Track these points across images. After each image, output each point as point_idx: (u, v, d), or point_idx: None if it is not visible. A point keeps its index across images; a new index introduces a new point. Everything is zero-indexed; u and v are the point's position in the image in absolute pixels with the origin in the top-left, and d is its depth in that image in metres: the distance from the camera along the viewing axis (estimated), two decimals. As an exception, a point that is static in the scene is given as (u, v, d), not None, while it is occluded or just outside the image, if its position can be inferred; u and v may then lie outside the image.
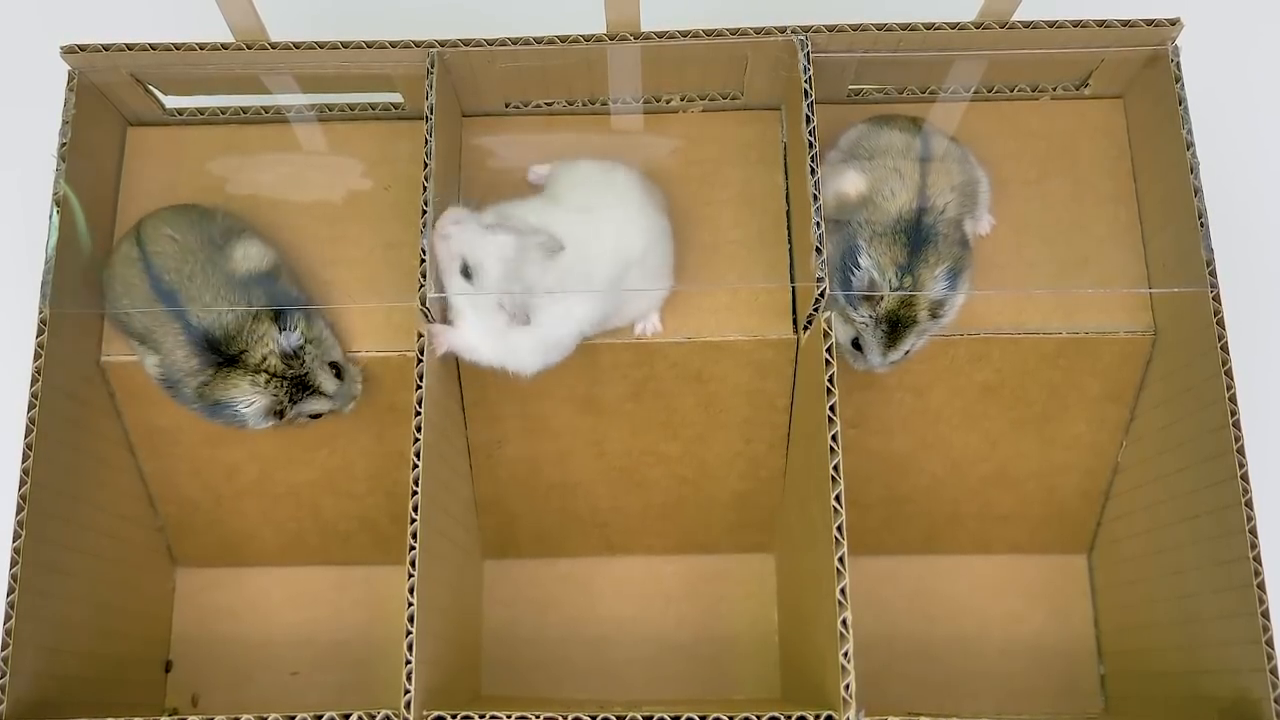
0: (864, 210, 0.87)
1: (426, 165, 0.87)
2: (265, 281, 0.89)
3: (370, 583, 1.12)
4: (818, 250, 0.84)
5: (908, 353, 0.89)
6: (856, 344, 0.89)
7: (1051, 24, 0.90)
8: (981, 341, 0.93)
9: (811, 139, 0.86)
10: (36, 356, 0.86)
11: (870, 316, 0.87)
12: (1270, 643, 0.79)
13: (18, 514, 0.83)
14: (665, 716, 0.77)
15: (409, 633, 0.79)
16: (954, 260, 0.87)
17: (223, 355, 0.87)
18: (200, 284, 0.88)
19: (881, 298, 0.86)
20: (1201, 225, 0.86)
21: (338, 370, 0.90)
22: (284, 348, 0.87)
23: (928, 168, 0.88)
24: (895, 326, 0.87)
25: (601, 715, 0.77)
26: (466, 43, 0.91)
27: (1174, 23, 0.90)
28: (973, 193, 0.91)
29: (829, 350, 0.83)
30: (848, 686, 0.76)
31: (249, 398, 0.87)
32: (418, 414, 0.83)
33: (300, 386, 0.88)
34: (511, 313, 0.85)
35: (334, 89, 0.96)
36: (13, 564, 0.83)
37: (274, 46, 0.91)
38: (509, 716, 0.77)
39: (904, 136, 0.90)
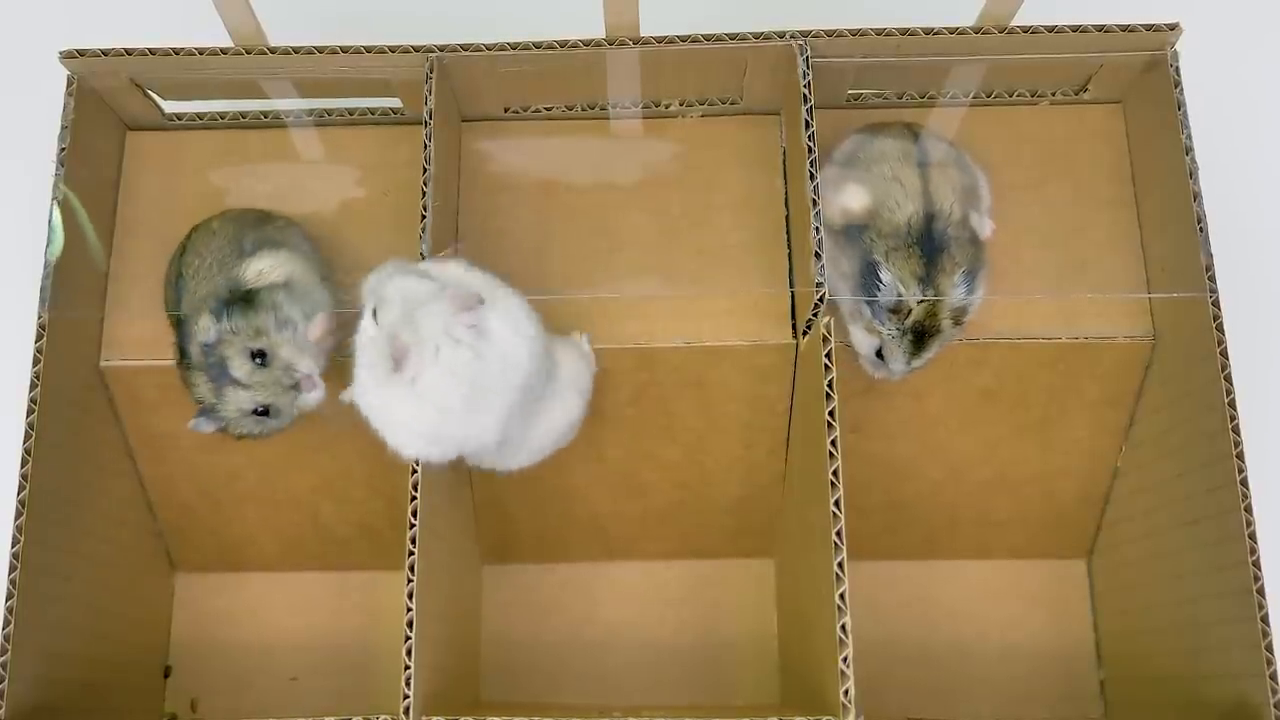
0: (872, 223, 0.87)
1: (425, 170, 0.87)
2: (265, 294, 0.88)
3: (369, 588, 1.12)
4: (817, 255, 0.84)
5: (928, 360, 0.89)
6: (879, 353, 0.89)
7: (1051, 29, 0.90)
8: (981, 346, 0.93)
9: (811, 144, 0.87)
10: (36, 361, 0.86)
11: (898, 329, 0.87)
12: (1270, 648, 0.79)
13: (17, 519, 0.83)
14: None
15: (408, 638, 0.79)
16: (969, 263, 0.87)
17: (182, 345, 0.88)
18: (204, 286, 0.88)
19: (910, 310, 0.86)
20: (1201, 230, 0.86)
21: (261, 359, 0.85)
22: (204, 340, 0.86)
23: (928, 173, 0.88)
24: (921, 336, 0.87)
25: (600, 721, 0.77)
26: (465, 48, 0.91)
27: (1173, 28, 0.90)
28: (974, 193, 0.91)
29: (828, 355, 0.83)
30: (847, 692, 0.76)
31: (199, 395, 0.87)
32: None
33: (219, 376, 0.86)
34: (391, 354, 0.78)
35: (333, 94, 0.96)
36: (12, 569, 0.83)
37: (273, 51, 0.91)
38: (508, 722, 0.77)
39: (899, 143, 0.90)
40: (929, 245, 0.86)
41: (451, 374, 0.78)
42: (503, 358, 0.80)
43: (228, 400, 0.86)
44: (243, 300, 0.87)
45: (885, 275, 0.86)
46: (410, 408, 0.80)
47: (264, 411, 0.87)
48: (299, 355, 0.87)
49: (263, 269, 0.89)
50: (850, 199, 0.88)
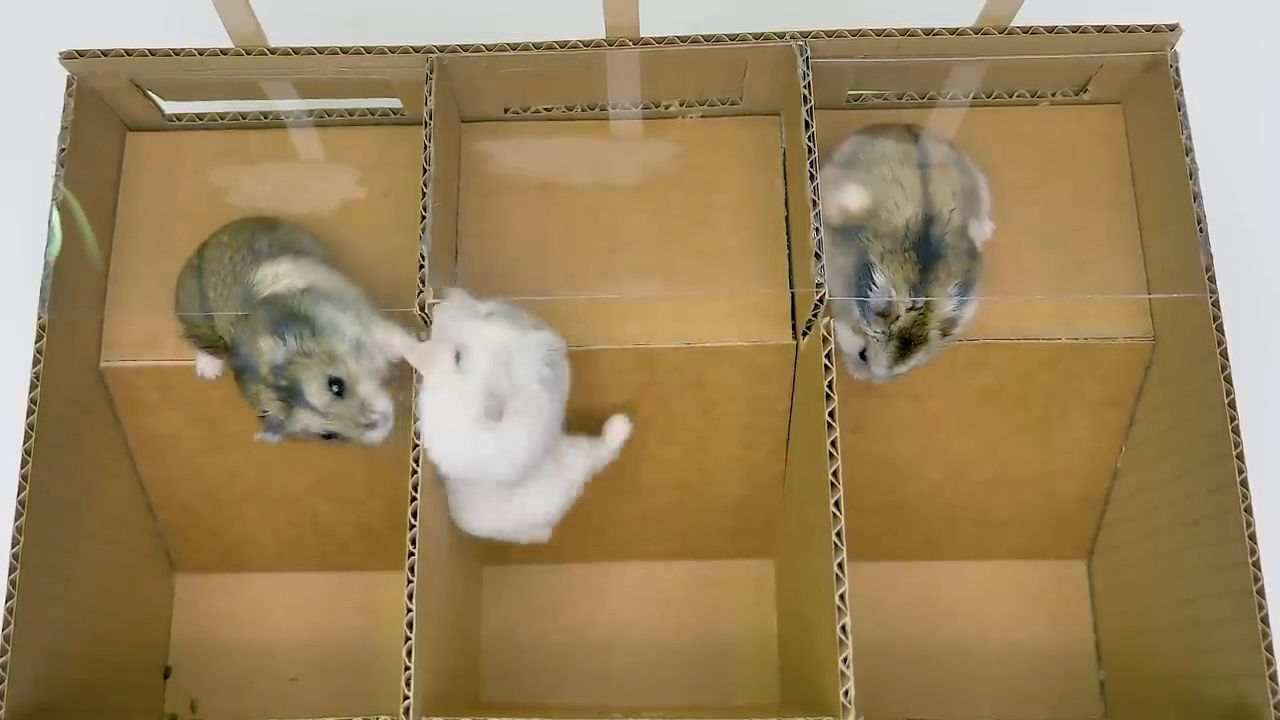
0: (870, 224, 0.87)
1: (425, 171, 0.87)
2: (282, 302, 0.86)
3: (369, 588, 1.12)
4: (817, 256, 0.84)
5: (912, 368, 0.89)
6: (863, 354, 0.89)
7: (1051, 30, 0.90)
8: (981, 347, 0.93)
9: (810, 144, 0.86)
10: (35, 362, 0.86)
11: (883, 332, 0.87)
12: (1270, 648, 0.79)
13: (17, 519, 0.83)
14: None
15: (408, 638, 0.79)
16: (964, 274, 0.86)
17: (240, 364, 0.86)
18: (224, 295, 0.87)
19: (898, 315, 0.86)
20: (1201, 231, 0.86)
21: (339, 388, 0.84)
22: (272, 360, 0.84)
23: (928, 175, 0.88)
24: (907, 344, 0.87)
25: (600, 721, 0.77)
26: (465, 48, 0.91)
27: (1173, 28, 0.90)
28: (975, 196, 0.91)
29: (828, 356, 0.83)
30: (847, 692, 0.76)
31: (265, 407, 0.85)
32: (416, 420, 0.84)
33: (290, 397, 0.84)
34: (487, 406, 0.82)
35: (333, 94, 0.96)
36: (12, 570, 0.83)
37: (273, 52, 0.91)
38: (508, 723, 0.77)
39: (900, 145, 0.90)
40: (925, 251, 0.86)
41: (539, 414, 0.84)
42: (559, 391, 0.86)
43: (297, 420, 0.85)
44: (296, 316, 0.85)
45: (879, 277, 0.86)
46: (502, 446, 0.84)
47: (329, 436, 0.86)
48: (376, 393, 0.85)
49: (277, 275, 0.88)
50: (849, 198, 0.88)
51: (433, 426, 0.84)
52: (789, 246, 0.94)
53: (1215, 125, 1.04)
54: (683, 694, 1.09)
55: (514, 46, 0.90)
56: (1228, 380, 0.83)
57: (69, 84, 0.92)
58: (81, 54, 0.91)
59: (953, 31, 0.90)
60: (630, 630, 1.12)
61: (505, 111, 0.98)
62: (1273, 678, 0.79)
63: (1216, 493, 0.84)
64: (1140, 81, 0.95)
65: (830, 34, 0.90)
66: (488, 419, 0.82)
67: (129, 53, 0.91)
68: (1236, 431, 0.82)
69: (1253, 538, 0.81)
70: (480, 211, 0.96)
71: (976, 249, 0.89)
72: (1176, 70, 0.91)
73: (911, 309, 0.85)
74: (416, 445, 0.83)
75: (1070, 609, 1.10)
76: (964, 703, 1.08)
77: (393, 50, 0.90)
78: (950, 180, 0.88)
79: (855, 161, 0.90)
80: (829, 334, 0.84)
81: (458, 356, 0.83)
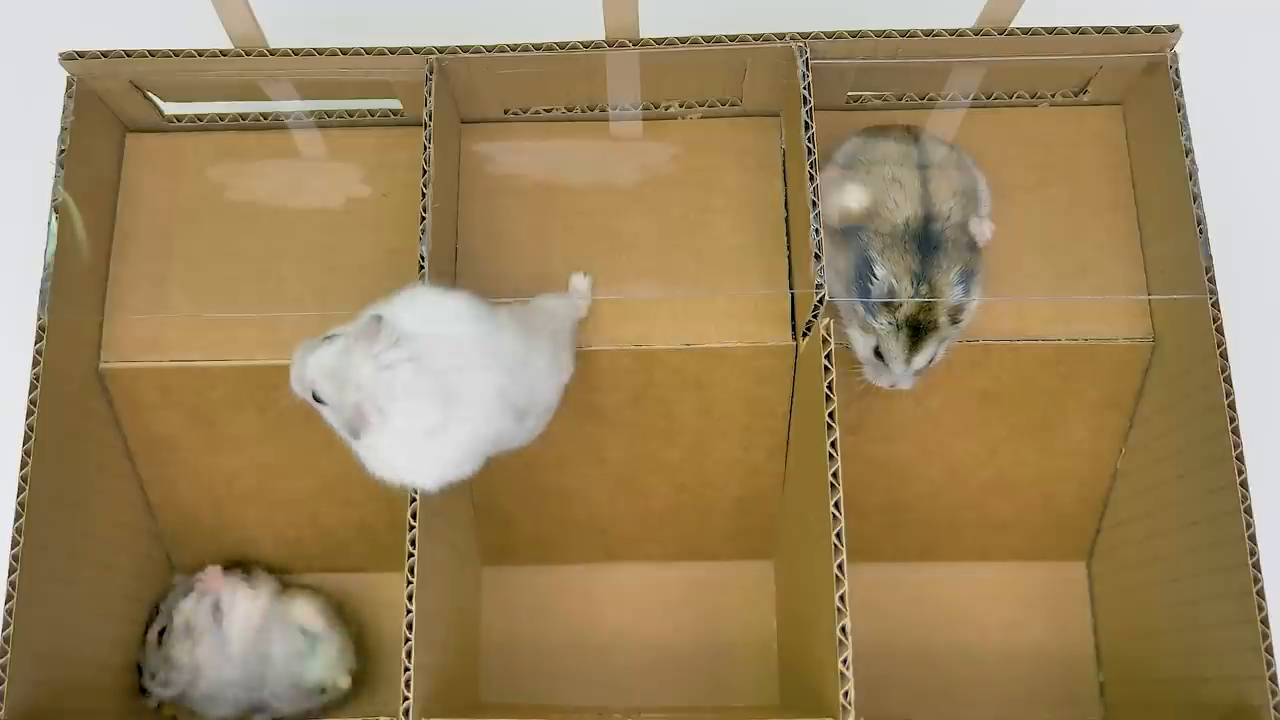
0: (870, 223, 0.87)
1: (425, 172, 0.87)
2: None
3: (369, 590, 1.12)
4: (816, 257, 0.84)
5: (931, 361, 0.88)
6: (878, 354, 0.88)
7: (1050, 31, 0.90)
8: (980, 348, 0.93)
9: (810, 146, 0.86)
10: (35, 364, 0.86)
11: (890, 323, 0.86)
12: (1269, 650, 0.79)
13: (16, 521, 0.83)
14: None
15: (407, 639, 0.79)
16: (965, 264, 0.87)
17: None
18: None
19: (900, 304, 0.86)
20: (1200, 232, 0.86)
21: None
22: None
23: (927, 175, 0.88)
24: (917, 331, 0.86)
25: (600, 723, 0.77)
26: (465, 49, 0.91)
27: (1173, 30, 0.90)
28: (974, 196, 0.91)
29: (828, 357, 0.83)
30: (847, 694, 0.76)
31: None
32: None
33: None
34: (347, 424, 0.76)
35: (333, 95, 0.96)
36: (11, 571, 0.83)
37: (273, 53, 0.91)
38: (507, 724, 0.77)
39: (900, 146, 0.90)
40: (925, 243, 0.86)
41: (410, 396, 0.76)
42: (469, 359, 0.78)
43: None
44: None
45: (879, 270, 0.86)
46: (404, 446, 0.78)
47: None
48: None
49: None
50: (849, 199, 0.88)
51: (371, 464, 0.80)
52: (789, 248, 0.94)
53: (1215, 126, 1.04)
54: (682, 695, 1.09)
55: (514, 48, 0.90)
56: (1227, 381, 0.83)
57: (68, 85, 0.92)
58: (81, 55, 0.91)
59: (953, 33, 0.90)
60: (630, 631, 1.12)
61: (505, 113, 0.98)
62: (1273, 679, 0.79)
63: (1216, 494, 0.84)
64: (1140, 83, 0.95)
65: (830, 35, 0.90)
66: (351, 438, 0.77)
67: (129, 54, 0.91)
68: (1236, 433, 0.82)
69: (1253, 539, 0.81)
70: (480, 212, 0.96)
71: (977, 244, 0.89)
72: (1176, 71, 0.91)
73: (915, 295, 0.85)
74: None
75: (1070, 611, 1.10)
76: (964, 704, 1.08)
77: (392, 51, 0.90)
78: (950, 180, 0.89)
79: (855, 162, 0.90)
80: (829, 335, 0.83)
81: (315, 396, 0.79)
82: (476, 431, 0.79)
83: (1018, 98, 0.98)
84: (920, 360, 0.88)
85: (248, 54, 0.91)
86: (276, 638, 1.04)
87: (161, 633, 1.03)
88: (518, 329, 0.82)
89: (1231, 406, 0.83)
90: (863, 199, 0.88)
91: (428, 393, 0.76)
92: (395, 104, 0.97)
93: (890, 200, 0.87)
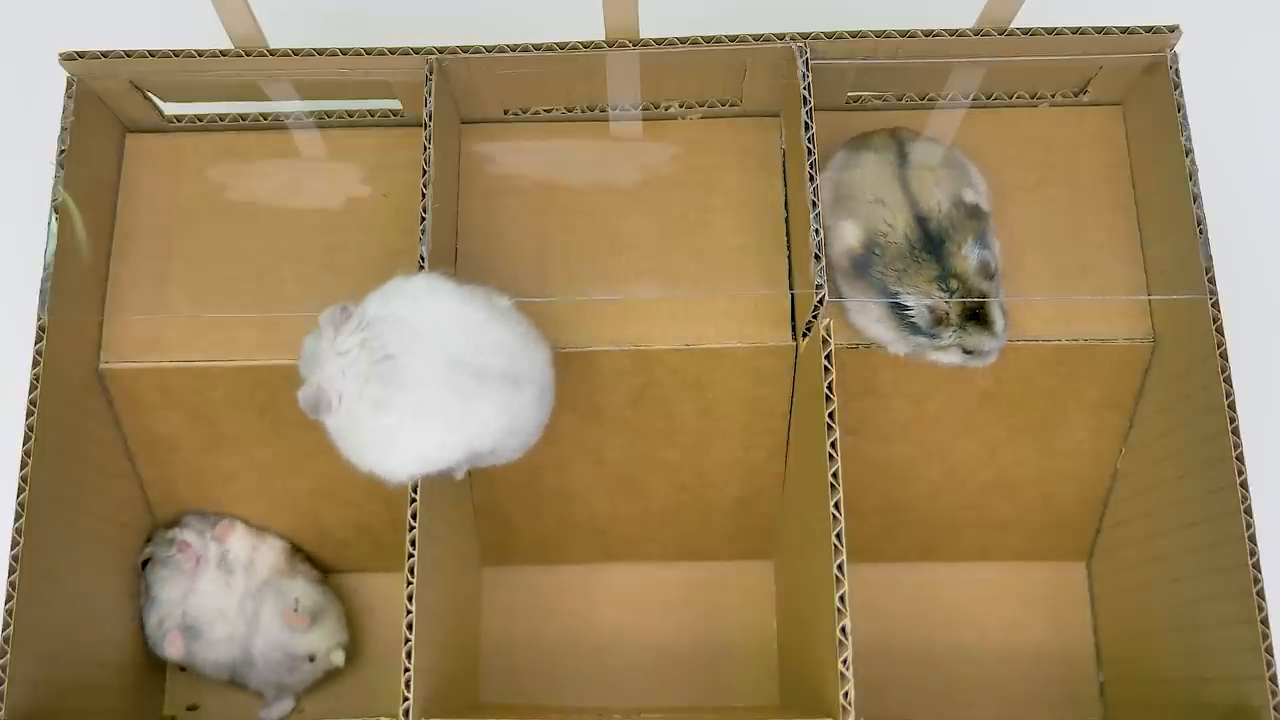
0: (875, 254, 0.87)
1: (425, 172, 0.87)
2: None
3: (368, 590, 1.12)
4: (816, 257, 0.84)
5: (1006, 316, 0.87)
6: (967, 351, 0.88)
7: (1050, 31, 0.90)
8: (980, 349, 0.93)
9: (810, 146, 0.86)
10: (35, 364, 0.86)
11: (955, 330, 0.86)
12: (1269, 650, 0.79)
13: (16, 521, 0.83)
14: (664, 724, 0.77)
15: (407, 640, 0.79)
16: (973, 231, 0.87)
17: None
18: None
19: (947, 310, 0.86)
20: (1200, 232, 0.86)
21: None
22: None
23: (907, 178, 0.88)
24: (977, 316, 0.86)
25: (600, 723, 0.77)
26: (465, 50, 0.91)
27: (1173, 30, 0.90)
28: (955, 164, 0.90)
29: (828, 357, 0.83)
30: (847, 694, 0.76)
31: None
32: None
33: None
34: (311, 405, 0.79)
35: (333, 96, 0.96)
36: (11, 571, 0.83)
37: (273, 53, 0.91)
38: (507, 724, 0.77)
39: (876, 156, 0.90)
40: (931, 244, 0.86)
41: (361, 379, 0.78)
42: (414, 335, 0.78)
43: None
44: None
45: (910, 301, 0.86)
46: (358, 424, 0.79)
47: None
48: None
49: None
50: (846, 238, 0.88)
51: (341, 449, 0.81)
52: (789, 248, 0.94)
53: (1215, 126, 1.04)
54: (682, 695, 1.09)
55: (514, 48, 0.90)
56: (1228, 382, 0.83)
57: (68, 85, 0.92)
58: (81, 55, 0.91)
59: (952, 33, 0.90)
60: (629, 632, 1.12)
61: (505, 113, 0.98)
62: (1273, 679, 0.79)
63: (1216, 494, 0.84)
64: (1140, 83, 0.95)
65: (830, 35, 0.90)
66: (314, 416, 0.79)
67: (129, 54, 0.91)
68: (1236, 433, 0.82)
69: (1253, 539, 0.81)
70: (480, 212, 0.96)
71: (980, 207, 0.89)
72: (1176, 72, 0.91)
73: (950, 296, 0.85)
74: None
75: (1070, 611, 1.10)
76: (964, 704, 1.08)
77: (392, 52, 0.90)
78: (929, 170, 0.89)
79: (840, 196, 0.90)
80: (829, 335, 0.83)
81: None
82: (424, 405, 0.78)
83: (1017, 98, 0.98)
84: (1000, 324, 0.87)
85: (248, 54, 0.91)
86: (275, 594, 1.04)
87: (145, 563, 1.04)
88: (484, 301, 0.82)
89: (1231, 407, 0.83)
90: (857, 234, 0.88)
91: (377, 376, 0.77)
92: (395, 104, 0.97)
93: (881, 224, 0.87)
